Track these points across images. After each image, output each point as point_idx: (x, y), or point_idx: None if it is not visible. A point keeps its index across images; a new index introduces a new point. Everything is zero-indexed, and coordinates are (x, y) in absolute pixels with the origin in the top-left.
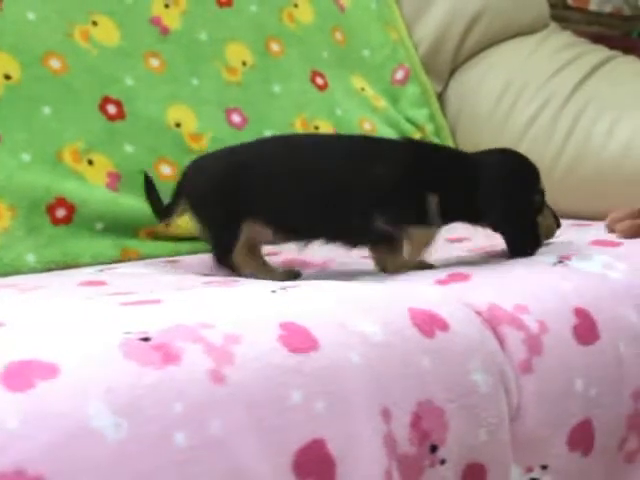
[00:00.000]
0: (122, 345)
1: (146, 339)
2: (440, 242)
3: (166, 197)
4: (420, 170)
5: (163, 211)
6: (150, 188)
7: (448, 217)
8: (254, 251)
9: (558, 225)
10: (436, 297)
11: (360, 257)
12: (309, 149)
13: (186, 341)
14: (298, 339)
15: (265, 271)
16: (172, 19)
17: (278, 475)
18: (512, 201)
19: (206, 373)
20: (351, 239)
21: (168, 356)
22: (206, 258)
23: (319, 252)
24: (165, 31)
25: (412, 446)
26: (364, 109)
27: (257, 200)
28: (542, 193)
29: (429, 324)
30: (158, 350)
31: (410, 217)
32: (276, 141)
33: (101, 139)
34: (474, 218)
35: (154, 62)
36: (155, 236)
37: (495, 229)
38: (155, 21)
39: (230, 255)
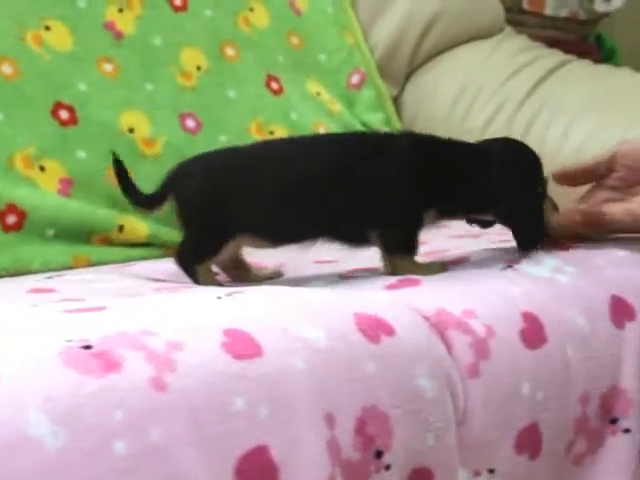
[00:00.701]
0: (62, 353)
1: (87, 347)
2: None
3: None
4: (423, 184)
5: (146, 200)
6: (121, 171)
7: (444, 218)
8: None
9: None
10: (383, 302)
11: (313, 261)
12: (305, 156)
13: (128, 349)
14: (241, 345)
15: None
16: (126, 24)
17: None
18: (523, 192)
19: (147, 381)
20: (352, 243)
21: (109, 364)
22: (158, 264)
23: (271, 256)
24: (119, 36)
25: (356, 452)
26: (319, 113)
27: (253, 215)
28: (545, 183)
29: (375, 329)
30: (99, 358)
31: (397, 248)
32: (271, 147)
33: (53, 145)
34: (477, 210)
35: (107, 67)
36: (107, 242)
37: (504, 222)
38: (109, 26)
39: (198, 265)
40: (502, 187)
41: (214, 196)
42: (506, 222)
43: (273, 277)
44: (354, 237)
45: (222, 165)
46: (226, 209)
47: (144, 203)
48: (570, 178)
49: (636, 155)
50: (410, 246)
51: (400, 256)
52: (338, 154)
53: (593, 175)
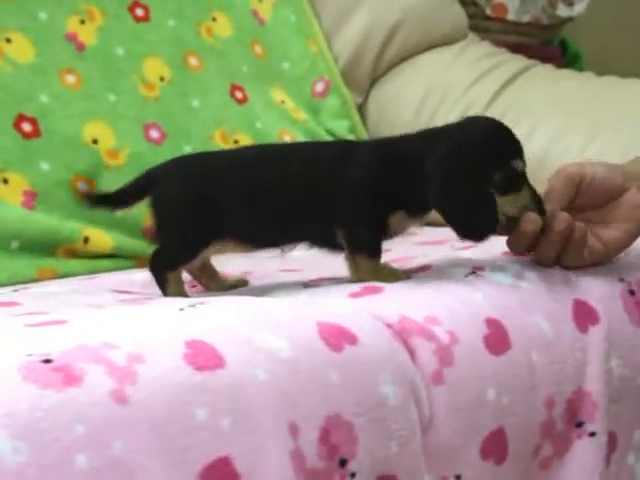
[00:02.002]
0: (22, 368)
1: (47, 361)
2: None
3: None
4: (387, 186)
5: (117, 199)
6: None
7: (418, 215)
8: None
9: (540, 211)
10: (346, 310)
11: (279, 270)
12: (286, 160)
13: (88, 362)
14: (203, 357)
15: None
16: (88, 35)
17: None
18: (451, 174)
19: (108, 394)
20: (325, 246)
21: (69, 377)
22: (123, 276)
23: (238, 264)
24: (81, 47)
25: (321, 461)
26: (284, 122)
27: (235, 220)
28: (511, 169)
29: (337, 338)
30: (59, 372)
31: (361, 247)
32: (251, 152)
33: (16, 157)
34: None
35: (70, 78)
36: (73, 254)
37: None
38: (70, 37)
39: (172, 271)
40: (429, 172)
41: (195, 200)
42: (437, 210)
43: (238, 285)
44: (327, 239)
45: (202, 168)
46: (207, 213)
47: (107, 202)
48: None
49: (596, 185)
50: (374, 247)
51: (364, 256)
52: (313, 159)
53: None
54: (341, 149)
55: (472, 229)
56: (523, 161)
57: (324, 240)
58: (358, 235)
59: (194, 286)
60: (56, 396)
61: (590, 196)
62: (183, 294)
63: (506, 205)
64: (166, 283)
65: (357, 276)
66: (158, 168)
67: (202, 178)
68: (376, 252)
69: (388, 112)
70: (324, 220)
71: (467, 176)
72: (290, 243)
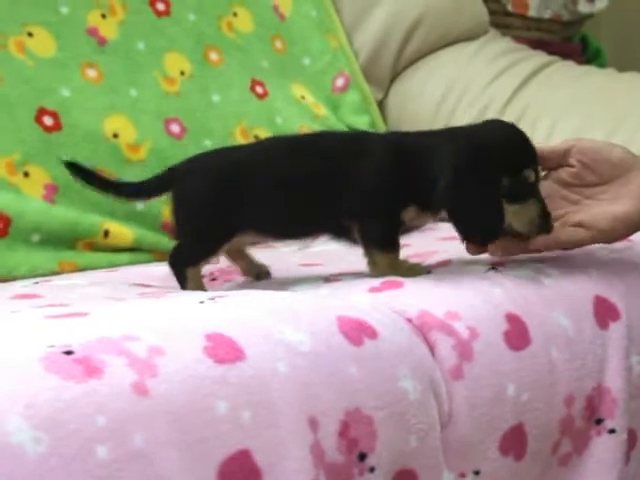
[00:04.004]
0: (44, 359)
1: (69, 352)
2: None
3: None
4: (398, 181)
5: (138, 190)
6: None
7: (429, 213)
8: (240, 250)
9: (546, 227)
10: (366, 305)
11: (299, 264)
12: (304, 152)
13: (109, 354)
14: (223, 350)
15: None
16: (109, 29)
17: None
18: (460, 178)
19: (129, 386)
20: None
21: (90, 369)
22: (143, 269)
23: (258, 258)
24: (102, 41)
25: (340, 455)
26: (304, 117)
27: (256, 214)
28: (521, 178)
29: (357, 332)
30: (80, 363)
31: (374, 242)
32: (272, 146)
33: (37, 151)
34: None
35: (91, 73)
36: (93, 248)
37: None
38: (92, 31)
39: (192, 268)
40: (438, 174)
41: (217, 196)
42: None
43: (262, 271)
44: (344, 233)
45: (222, 164)
46: (228, 209)
47: (132, 192)
48: None
49: (594, 154)
50: (388, 241)
51: (379, 250)
52: (329, 152)
53: (545, 164)
54: (356, 141)
55: (476, 230)
56: (537, 173)
57: (342, 234)
58: (371, 229)
59: (214, 279)
60: (77, 387)
61: (587, 161)
62: (202, 290)
63: (511, 215)
64: (186, 279)
65: (376, 271)
66: (180, 165)
67: (222, 174)
68: (392, 246)
69: (408, 108)
70: (339, 214)
71: (476, 176)
72: (310, 235)
